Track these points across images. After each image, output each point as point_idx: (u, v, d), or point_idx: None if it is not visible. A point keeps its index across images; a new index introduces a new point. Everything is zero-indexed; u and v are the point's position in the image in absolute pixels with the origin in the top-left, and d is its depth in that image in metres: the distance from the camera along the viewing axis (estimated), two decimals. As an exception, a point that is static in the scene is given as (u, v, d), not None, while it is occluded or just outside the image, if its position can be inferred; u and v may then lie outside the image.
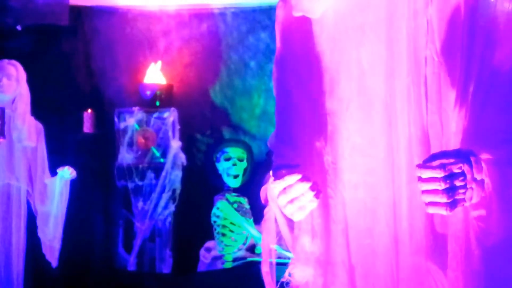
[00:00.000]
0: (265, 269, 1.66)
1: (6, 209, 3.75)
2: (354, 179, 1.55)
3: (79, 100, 4.29)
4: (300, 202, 1.52)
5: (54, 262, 3.82)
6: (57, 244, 3.81)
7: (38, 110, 3.92)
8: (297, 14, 1.62)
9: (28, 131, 3.79)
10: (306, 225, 1.60)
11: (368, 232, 1.53)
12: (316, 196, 1.51)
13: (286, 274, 1.61)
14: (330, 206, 1.58)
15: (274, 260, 1.68)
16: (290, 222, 1.60)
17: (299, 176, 1.51)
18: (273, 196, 1.59)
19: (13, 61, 3.80)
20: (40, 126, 3.86)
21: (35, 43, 4.25)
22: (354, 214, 1.55)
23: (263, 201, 1.74)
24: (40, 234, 3.80)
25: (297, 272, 1.59)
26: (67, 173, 3.76)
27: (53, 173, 3.81)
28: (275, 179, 1.56)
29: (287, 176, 1.52)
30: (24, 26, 4.14)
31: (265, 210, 1.71)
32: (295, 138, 1.69)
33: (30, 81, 3.87)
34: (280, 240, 1.69)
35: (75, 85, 4.39)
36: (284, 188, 1.53)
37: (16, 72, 3.78)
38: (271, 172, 1.64)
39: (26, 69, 3.84)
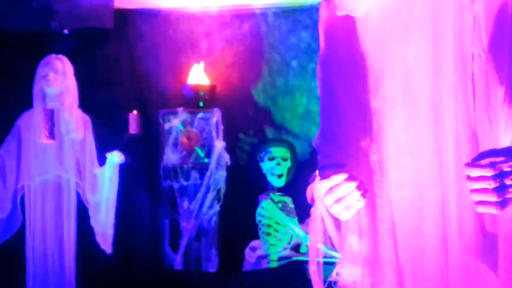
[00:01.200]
0: (312, 269, 1.66)
1: (58, 201, 3.84)
2: (401, 178, 1.54)
3: (125, 102, 4.36)
4: (347, 202, 1.51)
5: (108, 249, 3.88)
6: (110, 230, 3.86)
7: (85, 112, 4.01)
8: (340, 13, 1.62)
9: (75, 123, 3.87)
10: (353, 224, 1.59)
11: (416, 232, 1.52)
12: (363, 195, 1.50)
13: (334, 273, 1.61)
14: (376, 205, 1.57)
15: (321, 260, 1.69)
16: (337, 222, 1.60)
17: (345, 176, 1.51)
18: (319, 196, 1.59)
19: (60, 56, 3.89)
20: (87, 118, 3.95)
21: (81, 46, 4.34)
22: (401, 213, 1.54)
23: (309, 201, 1.74)
24: (93, 223, 3.87)
25: (345, 272, 1.58)
26: (116, 157, 3.81)
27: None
28: (321, 179, 1.56)
29: (333, 176, 1.52)
30: (70, 30, 4.24)
31: (312, 210, 1.71)
32: (340, 137, 1.68)
33: (77, 84, 3.96)
34: (326, 239, 1.70)
35: (120, 87, 4.46)
36: (331, 188, 1.53)
37: (62, 66, 3.87)
38: (317, 172, 1.64)
39: (74, 71, 3.93)
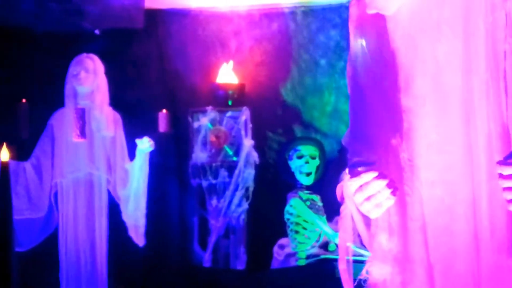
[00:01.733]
0: (342, 267, 1.67)
1: (89, 198, 3.88)
2: (431, 176, 1.54)
3: (154, 101, 4.39)
4: (377, 200, 1.52)
5: (141, 242, 3.90)
6: (142, 221, 3.87)
7: (115, 110, 4.05)
8: (371, 11, 1.62)
9: (106, 121, 3.91)
10: (383, 222, 1.59)
11: (447, 230, 1.51)
12: (393, 193, 1.51)
13: (363, 271, 1.61)
14: (407, 203, 1.57)
15: (351, 258, 1.69)
16: (367, 220, 1.61)
17: (375, 174, 1.52)
18: (349, 194, 1.60)
19: (91, 55, 3.94)
20: (117, 116, 3.98)
21: (112, 46, 4.39)
22: (431, 212, 1.54)
23: (339, 199, 1.74)
24: (124, 217, 3.89)
25: (375, 270, 1.58)
26: (146, 143, 3.81)
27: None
28: (351, 177, 1.57)
29: (363, 174, 1.53)
30: (101, 30, 4.29)
31: (341, 208, 1.72)
32: (370, 135, 1.69)
33: (108, 84, 4.01)
34: (356, 237, 1.70)
35: (150, 86, 4.50)
36: (361, 186, 1.53)
37: (93, 65, 3.91)
38: (347, 170, 1.65)
39: (105, 71, 3.98)
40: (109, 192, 3.93)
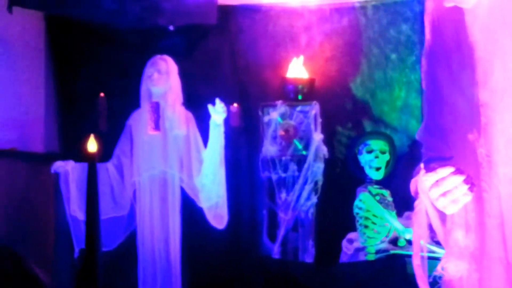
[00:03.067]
0: (416, 262, 1.66)
1: (163, 195, 3.98)
2: (510, 172, 1.52)
3: (226, 95, 4.46)
4: (453, 195, 1.50)
5: (222, 224, 3.94)
6: (222, 198, 3.92)
7: (188, 105, 4.15)
8: (448, 4, 1.61)
9: (178, 120, 4.00)
10: (459, 219, 1.58)
11: (526, 228, 1.49)
12: (470, 189, 1.49)
13: (439, 268, 1.60)
14: (484, 200, 1.56)
15: (425, 254, 1.68)
16: (442, 216, 1.59)
17: (452, 169, 1.51)
18: (424, 189, 1.59)
19: (164, 56, 4.04)
20: (189, 115, 4.05)
21: (186, 42, 4.50)
22: (510, 209, 1.52)
23: (413, 194, 1.74)
24: (202, 203, 3.95)
25: (451, 266, 1.57)
26: (219, 110, 3.81)
27: None
28: (426, 172, 1.56)
29: (439, 169, 1.52)
30: (175, 26, 4.39)
31: (416, 203, 1.71)
32: (446, 130, 1.68)
33: (181, 78, 4.11)
34: (429, 233, 1.69)
35: (222, 81, 4.57)
36: (437, 181, 1.52)
37: (166, 66, 4.00)
38: (421, 165, 1.64)
39: (178, 66, 4.08)
40: (182, 190, 4.00)
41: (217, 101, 3.84)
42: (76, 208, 3.91)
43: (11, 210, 4.07)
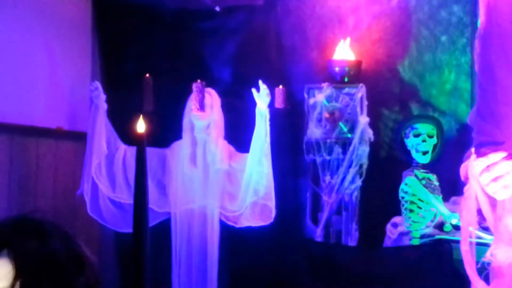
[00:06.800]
0: (464, 248, 1.64)
1: (202, 229, 3.95)
2: None
3: (271, 77, 4.45)
4: (505, 181, 1.48)
5: (269, 218, 3.86)
6: (267, 189, 3.84)
7: (234, 87, 4.16)
8: (505, -15, 1.56)
9: (221, 154, 3.96)
10: (511, 204, 1.55)
11: None
12: (523, 175, 1.46)
13: (488, 254, 1.58)
14: (537, 186, 1.52)
15: (474, 239, 1.65)
16: (493, 201, 1.57)
17: (504, 154, 1.48)
18: (474, 174, 1.56)
19: (208, 89, 3.98)
20: (232, 148, 4.02)
21: (232, 22, 4.49)
22: None
23: (462, 178, 1.71)
24: (248, 200, 3.90)
25: (500, 253, 1.54)
26: (263, 94, 3.75)
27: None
28: (477, 157, 1.53)
29: (491, 154, 1.49)
30: (222, 7, 4.39)
31: (465, 188, 1.68)
32: (499, 114, 1.64)
33: (227, 59, 4.11)
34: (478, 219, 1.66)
35: (267, 62, 4.56)
36: (488, 166, 1.50)
37: (210, 99, 3.96)
38: (472, 149, 1.61)
39: (223, 47, 4.08)
40: (221, 223, 3.97)
41: (261, 84, 3.80)
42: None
43: (58, 189, 4.17)
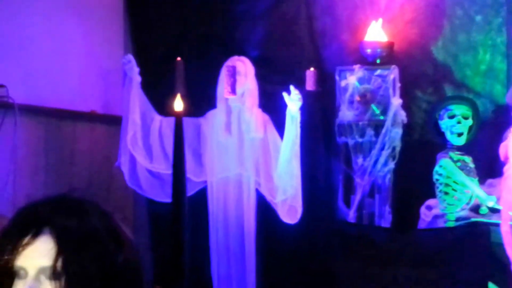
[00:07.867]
0: (504, 229, 1.63)
1: (238, 198, 3.97)
2: None
3: (302, 59, 4.43)
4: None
5: (295, 218, 3.90)
6: (294, 190, 3.87)
7: (264, 70, 4.14)
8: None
9: (255, 123, 3.97)
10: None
11: None
12: None
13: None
14: None
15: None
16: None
17: (546, 133, 1.45)
18: (515, 153, 1.54)
19: (242, 58, 3.99)
20: (266, 117, 4.02)
21: (263, 5, 4.47)
22: None
23: (502, 158, 1.70)
24: (277, 199, 3.91)
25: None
26: (294, 98, 3.75)
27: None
28: (518, 136, 1.51)
29: (532, 133, 1.47)
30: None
31: (505, 168, 1.67)
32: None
33: (258, 42, 4.10)
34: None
35: (298, 45, 4.53)
36: (529, 145, 1.47)
37: (244, 68, 3.96)
38: (511, 129, 1.59)
39: (254, 30, 4.06)
40: (257, 192, 3.98)
41: (292, 88, 3.80)
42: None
43: (93, 171, 4.23)
